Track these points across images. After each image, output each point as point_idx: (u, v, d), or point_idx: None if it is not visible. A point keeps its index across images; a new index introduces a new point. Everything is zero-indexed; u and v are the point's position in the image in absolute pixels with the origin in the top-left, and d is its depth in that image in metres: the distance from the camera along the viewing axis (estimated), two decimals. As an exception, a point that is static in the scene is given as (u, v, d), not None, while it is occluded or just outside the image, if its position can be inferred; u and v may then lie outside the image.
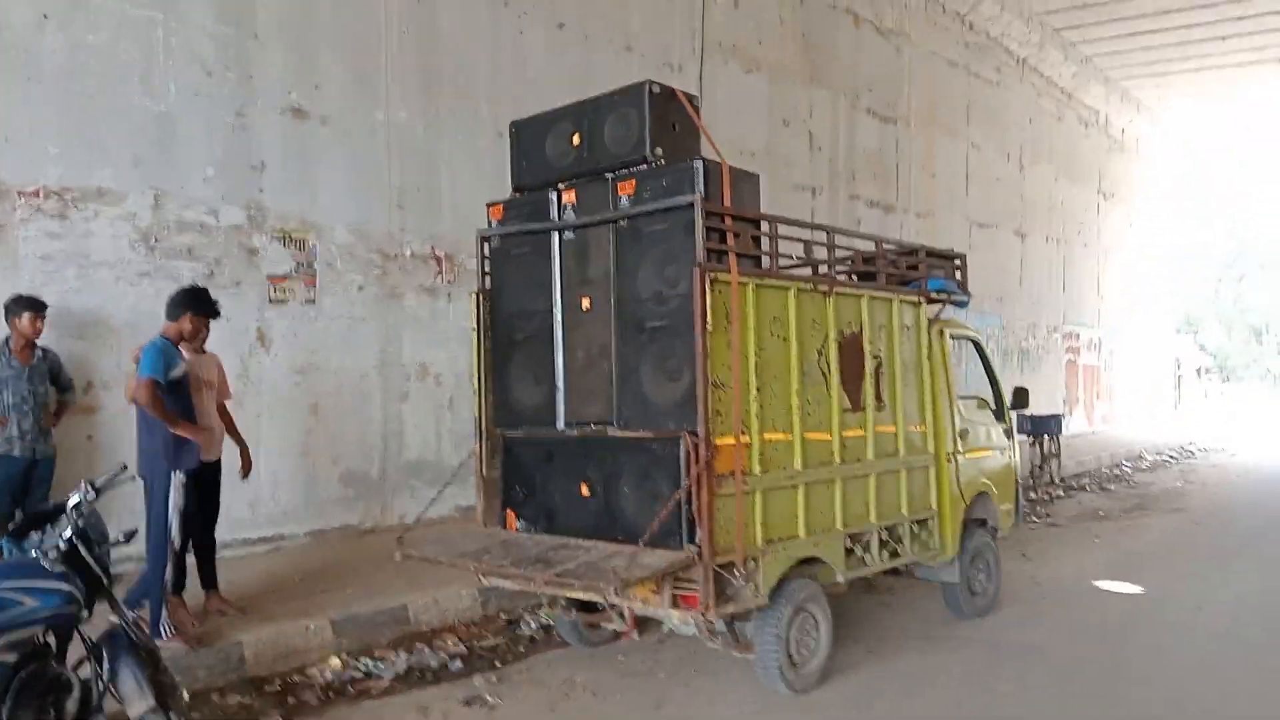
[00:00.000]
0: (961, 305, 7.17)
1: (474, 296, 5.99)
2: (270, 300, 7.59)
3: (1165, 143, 28.43)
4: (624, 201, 5.27)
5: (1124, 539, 10.56)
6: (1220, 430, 25.54)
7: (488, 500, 5.95)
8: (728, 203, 5.10)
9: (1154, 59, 21.69)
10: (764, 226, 5.44)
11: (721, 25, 11.80)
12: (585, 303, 5.47)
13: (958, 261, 7.17)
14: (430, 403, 8.57)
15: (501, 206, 5.91)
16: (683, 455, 4.92)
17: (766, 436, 5.25)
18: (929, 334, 6.64)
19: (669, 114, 5.34)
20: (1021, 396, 7.73)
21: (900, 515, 6.19)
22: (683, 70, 10.94)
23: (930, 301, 6.70)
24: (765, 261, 5.42)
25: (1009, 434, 7.68)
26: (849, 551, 5.77)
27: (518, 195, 5.89)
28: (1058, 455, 14.69)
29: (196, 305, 5.90)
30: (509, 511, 5.82)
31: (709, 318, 4.87)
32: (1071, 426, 20.15)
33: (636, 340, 5.20)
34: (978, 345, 7.51)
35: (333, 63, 7.93)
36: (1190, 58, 21.47)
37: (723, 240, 5.05)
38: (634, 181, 5.23)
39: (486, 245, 5.98)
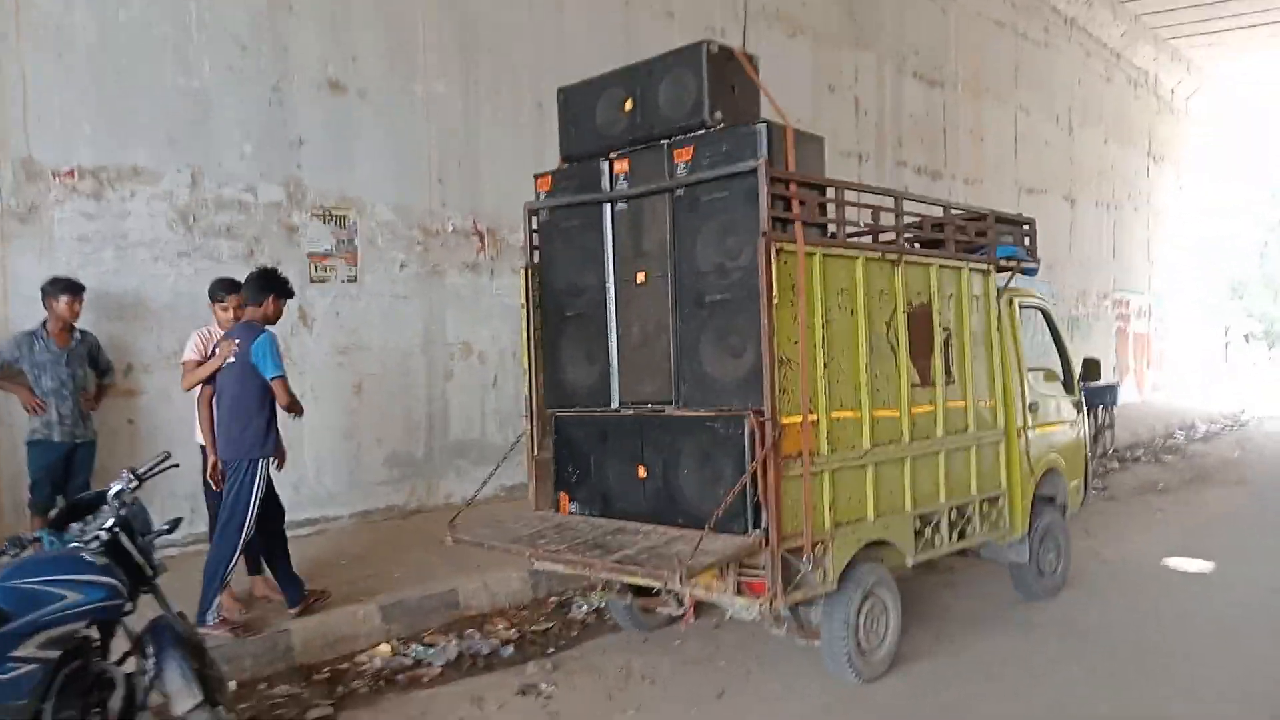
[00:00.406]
0: (1030, 274, 6.85)
1: (523, 272, 5.76)
2: (311, 279, 7.41)
3: (1215, 102, 27.58)
4: (681, 169, 5.01)
5: (1186, 513, 10.20)
6: (1272, 397, 24.88)
7: (539, 482, 5.75)
8: (792, 167, 4.82)
9: (1204, 15, 20.94)
10: (829, 193, 5.16)
11: (761, -5, 11.45)
12: (640, 277, 5.22)
13: (1026, 227, 6.84)
14: (474, 381, 8.38)
15: (550, 178, 5.66)
16: (747, 435, 4.68)
17: (834, 415, 4.99)
18: (998, 303, 6.33)
19: (727, 75, 5.05)
20: (1093, 368, 7.39)
21: (970, 494, 5.92)
22: (726, 35, 10.59)
23: (999, 270, 6.39)
24: (831, 230, 5.15)
25: (1078, 407, 7.37)
26: (917, 533, 5.51)
27: (566, 165, 5.64)
28: (1112, 427, 14.28)
29: (280, 287, 5.74)
30: (562, 494, 5.62)
31: (774, 290, 4.61)
32: (1123, 396, 19.67)
33: (696, 315, 4.95)
34: (1047, 315, 7.18)
35: (368, 34, 7.70)
36: (1241, 14, 20.72)
37: (787, 208, 4.78)
38: (692, 148, 4.96)
39: (535, 219, 5.74)
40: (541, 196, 5.69)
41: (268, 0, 7.26)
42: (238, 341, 5.50)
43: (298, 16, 7.36)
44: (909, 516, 5.42)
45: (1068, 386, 7.24)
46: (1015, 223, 6.78)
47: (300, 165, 7.33)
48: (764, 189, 4.63)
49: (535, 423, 5.74)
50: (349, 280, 7.57)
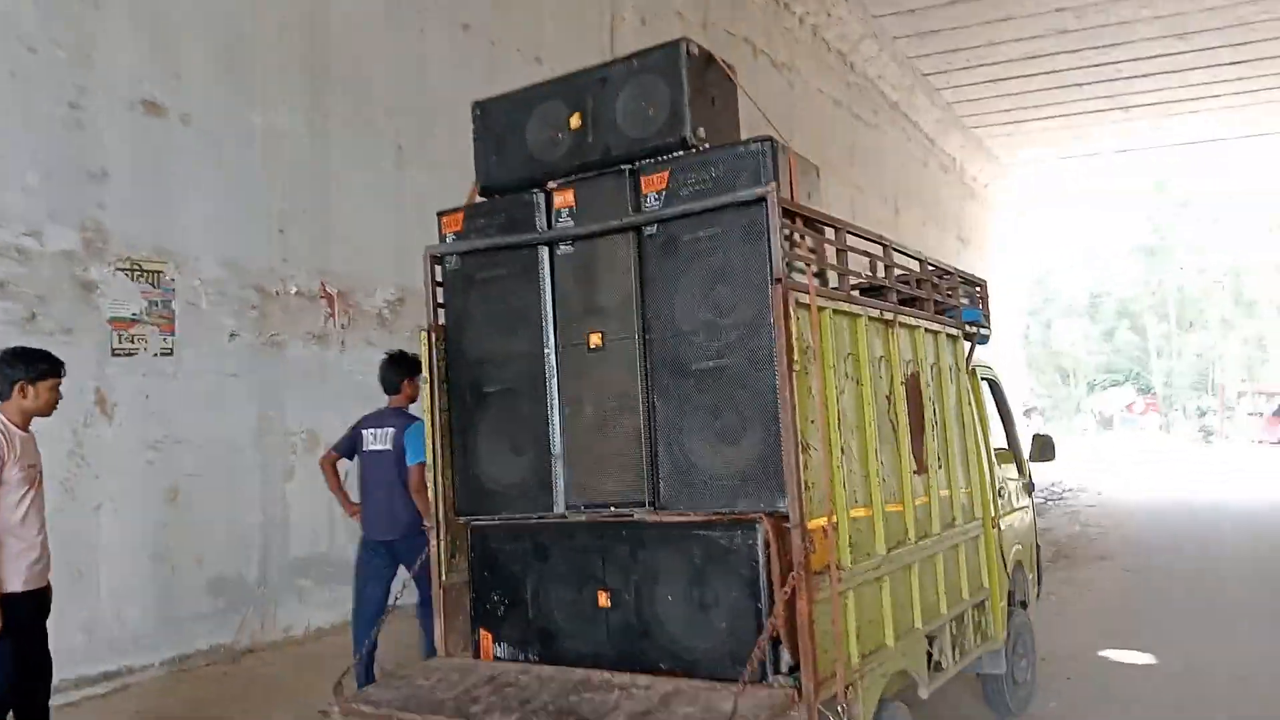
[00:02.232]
0: (983, 342, 6.09)
1: (423, 337, 4.41)
2: (113, 351, 5.68)
3: (1009, 189, 29.25)
4: (651, 200, 3.86)
5: (1077, 597, 9.72)
6: (1070, 470, 25.95)
7: (448, 618, 4.32)
8: (796, 199, 3.80)
9: (1009, 106, 22.11)
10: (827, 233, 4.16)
11: (631, 44, 10.61)
12: (594, 339, 3.98)
13: (979, 289, 6.09)
14: (322, 480, 6.79)
15: (462, 215, 4.39)
16: (761, 546, 3.52)
17: (852, 513, 3.90)
18: (966, 374, 5.52)
19: (707, 85, 3.99)
20: (1045, 447, 6.66)
21: (964, 600, 4.95)
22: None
23: (966, 337, 5.58)
24: (831, 280, 4.13)
25: (1028, 490, 6.64)
26: (928, 655, 4.48)
27: (484, 200, 4.39)
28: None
29: (414, 367, 5.87)
30: (483, 632, 4.22)
31: (795, 353, 3.51)
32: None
33: (679, 388, 3.76)
34: (996, 387, 6.43)
35: (198, 47, 6.19)
36: (1043, 105, 22.00)
37: (790, 250, 3.72)
38: (666, 173, 3.82)
39: (439, 268, 4.43)
40: (449, 239, 4.40)
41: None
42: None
43: (105, 15, 5.76)
44: (921, 636, 4.38)
45: (1019, 468, 6.52)
46: (971, 283, 6.03)
47: (103, 204, 5.66)
48: (775, 224, 3.55)
49: (441, 537, 4.34)
50: (163, 353, 5.90)
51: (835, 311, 3.90)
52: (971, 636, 5.03)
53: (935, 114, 21.50)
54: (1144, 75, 20.26)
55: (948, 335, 5.24)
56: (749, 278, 3.63)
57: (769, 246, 3.57)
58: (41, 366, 4.21)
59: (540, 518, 4.09)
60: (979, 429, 5.57)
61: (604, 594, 3.90)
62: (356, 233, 7.02)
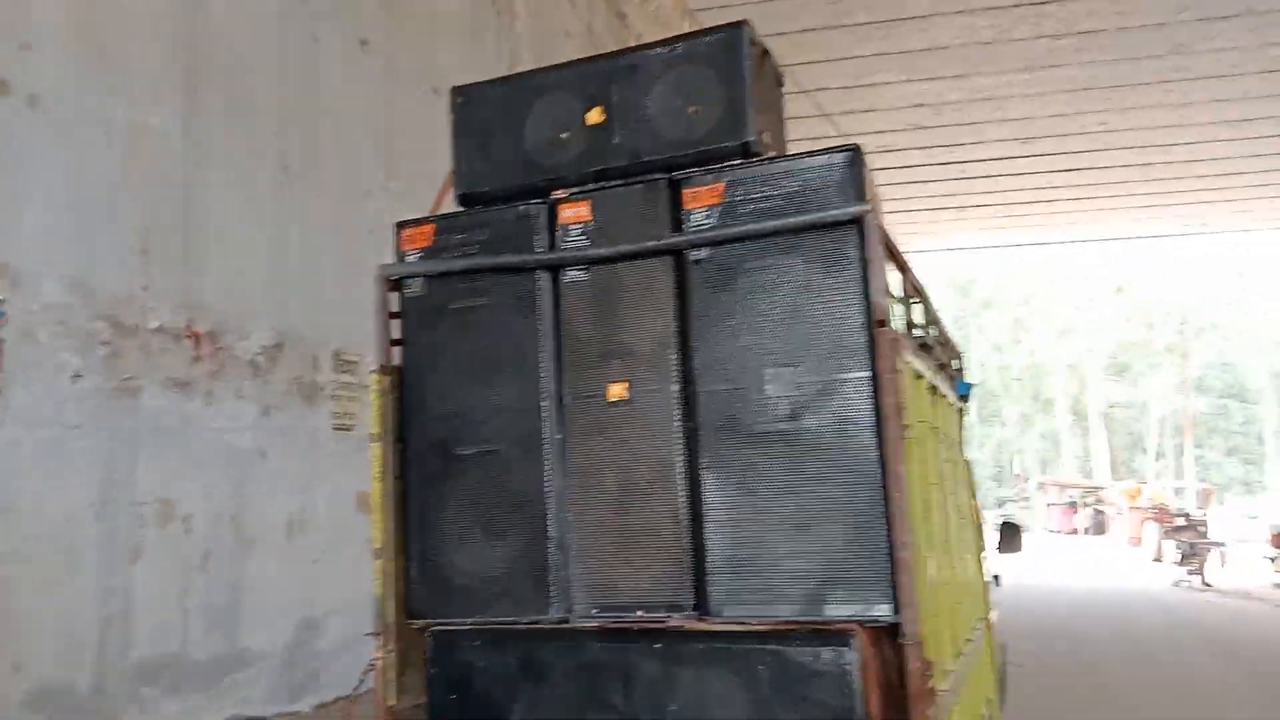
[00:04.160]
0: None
1: (376, 382, 3.38)
2: (-88, 392, 4.31)
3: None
4: (700, 217, 3.06)
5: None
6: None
7: (396, 755, 3.23)
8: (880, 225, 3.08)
9: (902, 194, 22.67)
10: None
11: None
12: (617, 390, 3.10)
13: (959, 359, 5.56)
14: (176, 562, 5.44)
15: (431, 229, 3.44)
16: (857, 665, 2.69)
17: (938, 615, 3.14)
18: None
19: (763, 84, 3.24)
20: (1013, 538, 6.11)
21: (992, 710, 4.28)
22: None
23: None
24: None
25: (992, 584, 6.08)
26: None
27: (464, 211, 3.47)
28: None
29: None
30: (446, 776, 3.17)
31: (905, 416, 2.76)
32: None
33: (737, 454, 2.92)
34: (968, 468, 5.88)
35: (54, 17, 4.95)
36: (888, 199, 22.62)
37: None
38: (721, 185, 3.04)
39: (397, 293, 3.44)
40: (412, 257, 3.43)
41: None
42: None
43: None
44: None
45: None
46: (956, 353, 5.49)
47: (-90, 199, 4.33)
48: (877, 252, 2.82)
49: (391, 645, 3.26)
50: (-21, 398, 4.55)
51: (917, 372, 3.20)
52: (989, 759, 4.35)
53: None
54: (984, 176, 21.17)
55: (957, 407, 4.65)
56: (836, 319, 2.86)
57: (865, 281, 2.82)
58: None
59: (533, 623, 3.11)
60: (976, 516, 4.99)
61: (628, 727, 2.96)
62: (230, 261, 5.82)
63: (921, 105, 17.34)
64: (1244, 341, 56.79)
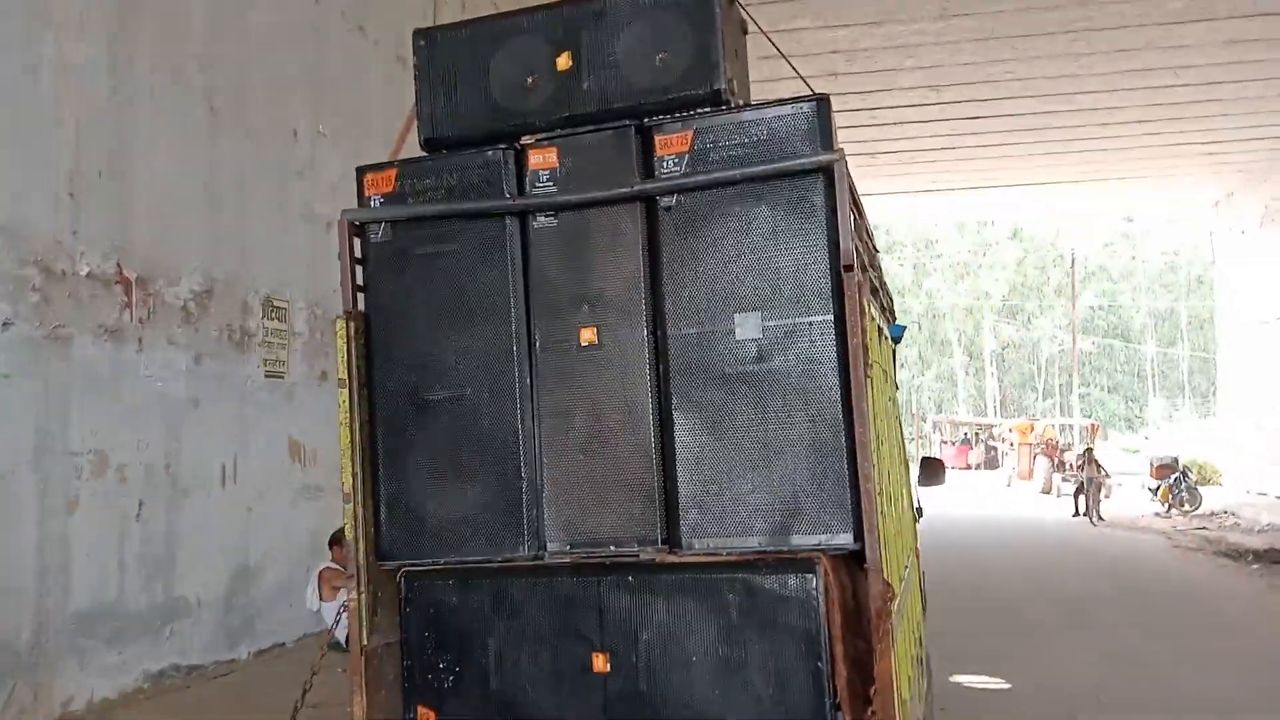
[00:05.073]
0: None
1: (339, 326, 3.39)
2: None
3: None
4: (670, 163, 3.13)
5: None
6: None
7: (370, 694, 3.30)
8: (843, 175, 3.20)
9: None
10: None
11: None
12: (587, 335, 3.17)
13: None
14: (112, 511, 5.38)
15: (394, 173, 3.42)
16: (821, 591, 2.87)
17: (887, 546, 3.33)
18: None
19: (730, 33, 3.31)
20: (935, 472, 6.38)
21: (922, 647, 4.56)
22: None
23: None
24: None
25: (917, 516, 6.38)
26: None
27: (428, 156, 3.46)
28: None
29: None
30: (422, 711, 3.26)
31: (868, 358, 2.92)
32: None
33: (705, 395, 3.04)
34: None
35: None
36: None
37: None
38: (690, 132, 3.11)
39: (361, 239, 3.44)
40: (375, 202, 3.43)
41: None
42: None
43: None
44: (918, 696, 3.91)
45: (905, 492, 6.25)
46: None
47: None
48: (845, 200, 2.95)
49: (363, 588, 3.32)
50: (-97, 346, 4.40)
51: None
52: (919, 688, 4.62)
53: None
54: (894, 124, 21.56)
55: (892, 348, 4.85)
56: (802, 263, 2.99)
57: (833, 227, 2.95)
58: None
59: (507, 560, 3.20)
60: (904, 447, 5.22)
61: (600, 657, 3.07)
62: (160, 206, 5.69)
63: (836, 52, 17.52)
64: (1129, 285, 59.52)
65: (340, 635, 6.45)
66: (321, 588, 6.72)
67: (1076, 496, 21.59)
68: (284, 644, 6.76)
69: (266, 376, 6.66)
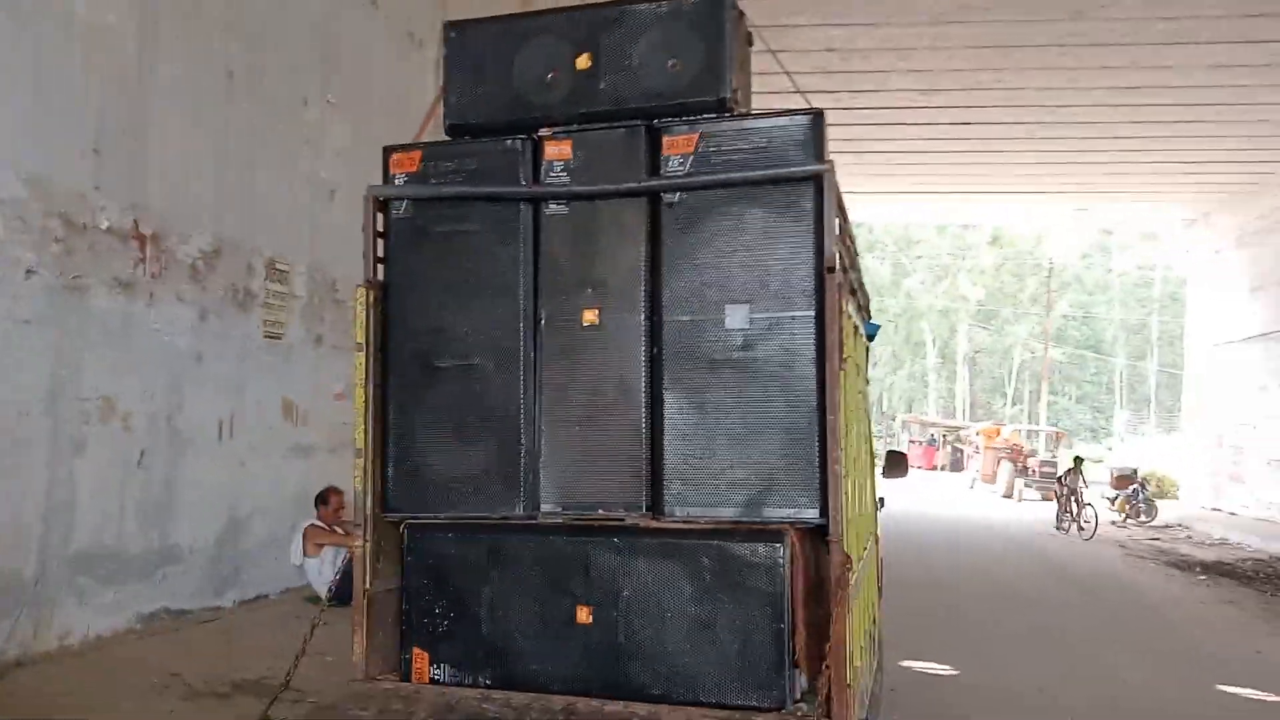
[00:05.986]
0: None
1: (360, 293, 3.66)
2: None
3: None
4: (674, 164, 3.42)
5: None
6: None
7: (370, 635, 3.59)
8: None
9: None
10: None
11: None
12: (589, 315, 3.47)
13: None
14: (115, 457, 5.62)
15: (419, 155, 3.69)
16: (786, 561, 3.19)
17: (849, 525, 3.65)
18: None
19: (740, 45, 3.59)
20: (899, 464, 6.70)
21: (875, 625, 4.89)
22: (423, 46, 8.84)
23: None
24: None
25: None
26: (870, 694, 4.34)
27: (452, 141, 3.73)
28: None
29: None
30: (418, 652, 3.56)
31: (843, 352, 3.23)
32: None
33: (693, 377, 3.34)
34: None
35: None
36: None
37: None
38: (696, 135, 3.40)
39: (384, 214, 3.71)
40: (399, 180, 3.69)
41: None
42: None
43: None
44: (868, 668, 4.23)
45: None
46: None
47: None
48: (831, 207, 3.25)
49: (371, 537, 3.61)
50: (-67, 287, 4.61)
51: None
52: (872, 673, 4.95)
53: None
54: (883, 124, 21.86)
55: (865, 345, 5.16)
56: (789, 263, 3.29)
57: (819, 231, 3.25)
58: None
59: (503, 518, 3.50)
60: (871, 439, 5.54)
61: (584, 609, 3.38)
62: (176, 166, 5.91)
63: (831, 50, 17.78)
64: (1103, 297, 60.31)
65: (319, 589, 6.72)
66: (306, 544, 7.01)
67: (1063, 510, 19.90)
68: (268, 595, 7.02)
69: (265, 337, 6.90)
